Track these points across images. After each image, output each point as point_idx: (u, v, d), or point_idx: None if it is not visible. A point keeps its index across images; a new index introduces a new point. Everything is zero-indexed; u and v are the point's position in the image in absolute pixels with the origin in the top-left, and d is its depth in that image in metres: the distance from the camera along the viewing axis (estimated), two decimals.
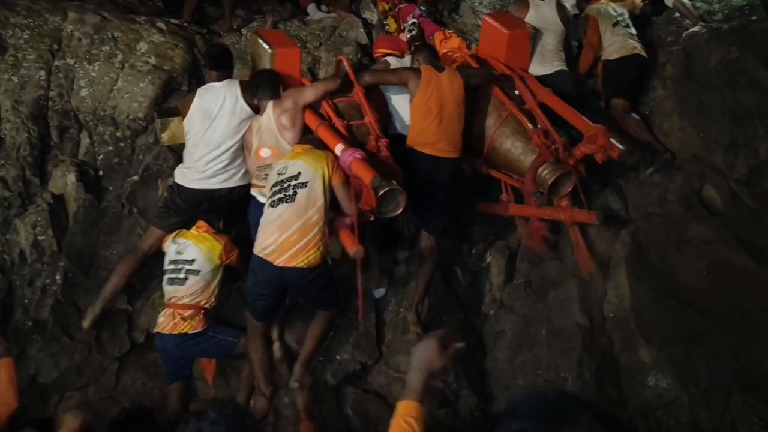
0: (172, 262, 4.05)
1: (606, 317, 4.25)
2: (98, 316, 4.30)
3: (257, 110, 4.21)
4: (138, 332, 4.47)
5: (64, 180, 4.67)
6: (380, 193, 3.74)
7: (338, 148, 3.87)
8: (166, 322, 3.99)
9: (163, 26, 5.37)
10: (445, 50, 4.94)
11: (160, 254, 4.30)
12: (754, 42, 4.95)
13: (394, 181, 3.85)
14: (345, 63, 4.40)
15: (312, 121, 4.11)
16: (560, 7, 5.02)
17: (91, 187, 4.72)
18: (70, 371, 4.27)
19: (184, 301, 3.98)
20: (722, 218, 4.42)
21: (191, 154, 4.30)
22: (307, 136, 4.12)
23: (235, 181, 4.30)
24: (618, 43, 5.06)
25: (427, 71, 4.24)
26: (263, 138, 4.11)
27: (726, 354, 4.00)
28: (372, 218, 3.96)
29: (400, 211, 3.90)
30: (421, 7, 5.56)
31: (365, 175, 3.71)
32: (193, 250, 4.01)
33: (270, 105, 4.12)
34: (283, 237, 3.69)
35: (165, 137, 4.63)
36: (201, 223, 4.14)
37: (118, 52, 5.09)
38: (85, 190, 4.67)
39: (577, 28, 5.38)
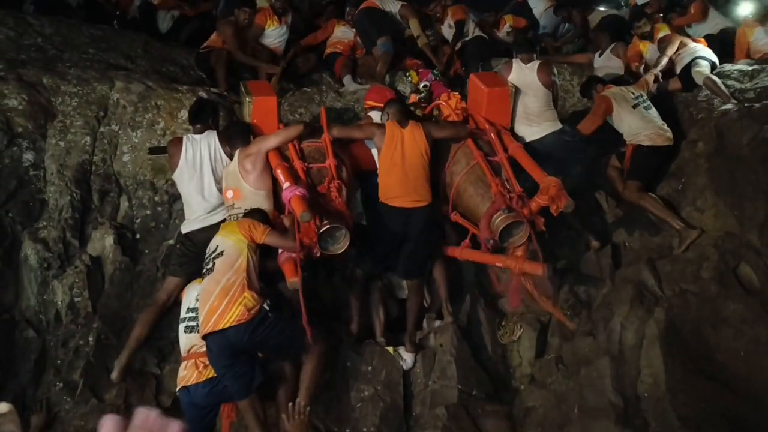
0: (191, 309, 4.12)
1: (640, 397, 4.13)
2: (125, 367, 4.33)
3: (231, 157, 4.58)
4: (166, 396, 4.46)
5: (103, 242, 4.80)
6: (321, 230, 4.04)
7: (285, 185, 4.25)
8: (189, 374, 3.98)
9: (204, 95, 5.57)
10: (439, 104, 5.28)
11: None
12: None
13: (338, 221, 4.13)
14: (323, 113, 4.93)
15: (273, 161, 4.48)
16: (543, 72, 5.25)
17: (128, 250, 4.85)
18: None
19: (204, 348, 3.98)
20: (759, 297, 4.32)
21: (189, 205, 4.62)
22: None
23: (233, 216, 4.46)
24: (650, 130, 5.11)
25: (391, 127, 4.58)
26: (228, 180, 4.46)
27: None
28: (318, 254, 4.15)
29: (343, 249, 4.13)
30: (434, 72, 6.04)
31: (298, 209, 4.05)
32: None
33: (237, 152, 4.51)
34: (206, 307, 3.85)
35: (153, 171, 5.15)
36: None
37: (160, 119, 5.29)
38: (122, 252, 4.80)
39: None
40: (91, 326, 4.52)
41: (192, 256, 4.48)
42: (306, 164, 4.52)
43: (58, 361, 4.44)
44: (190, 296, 4.20)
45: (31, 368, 4.43)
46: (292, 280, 3.97)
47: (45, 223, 4.77)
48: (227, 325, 3.77)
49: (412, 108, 5.43)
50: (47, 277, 4.62)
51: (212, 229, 4.42)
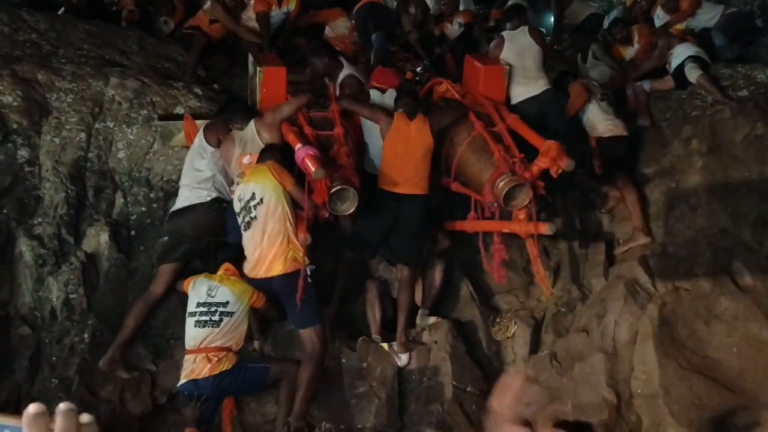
0: (202, 304, 4.14)
1: (633, 393, 4.17)
2: (114, 359, 4.35)
3: (215, 146, 4.68)
4: (161, 392, 4.47)
5: (98, 239, 4.78)
6: (332, 190, 4.17)
7: (297, 147, 4.37)
8: (201, 367, 4.02)
9: (199, 92, 5.57)
10: (434, 87, 5.54)
11: (181, 315, 4.43)
12: None
13: (348, 183, 4.24)
14: (331, 87, 5.13)
15: (284, 127, 4.65)
16: (534, 32, 5.54)
17: (123, 247, 4.83)
18: None
19: (218, 343, 4.05)
20: (752, 294, 4.36)
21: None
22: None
23: (199, 198, 4.60)
24: (609, 122, 5.38)
25: (399, 117, 4.70)
26: (246, 147, 4.56)
27: None
28: (327, 215, 4.32)
29: (352, 209, 4.29)
30: (426, 62, 6.35)
31: (312, 166, 4.15)
32: (225, 292, 4.16)
33: (252, 121, 4.65)
34: (257, 252, 4.15)
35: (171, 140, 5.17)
36: (227, 265, 4.33)
37: (155, 116, 5.27)
38: (117, 249, 4.78)
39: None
40: (86, 323, 4.51)
41: (173, 242, 4.68)
42: (315, 131, 4.66)
43: (53, 358, 4.42)
44: (200, 290, 4.20)
45: (26, 365, 4.41)
46: (302, 236, 4.15)
47: (40, 220, 4.75)
48: (276, 274, 4.10)
49: None
50: (42, 273, 4.60)
51: (177, 215, 4.63)
